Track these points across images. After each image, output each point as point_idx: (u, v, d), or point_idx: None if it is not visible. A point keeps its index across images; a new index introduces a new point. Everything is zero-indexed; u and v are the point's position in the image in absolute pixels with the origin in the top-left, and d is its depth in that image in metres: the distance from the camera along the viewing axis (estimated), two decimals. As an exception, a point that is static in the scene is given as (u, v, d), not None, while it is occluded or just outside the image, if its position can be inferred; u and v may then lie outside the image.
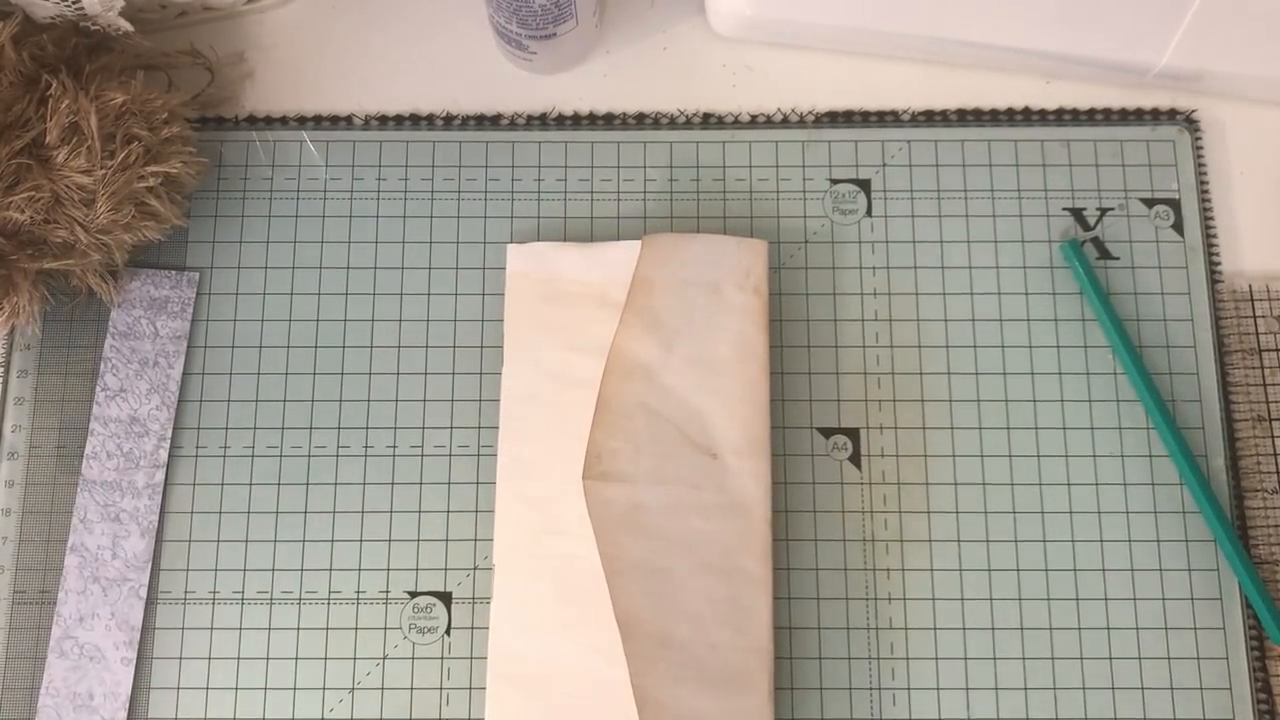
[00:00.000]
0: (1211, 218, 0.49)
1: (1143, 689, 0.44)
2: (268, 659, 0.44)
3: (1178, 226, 0.49)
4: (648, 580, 0.43)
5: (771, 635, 0.42)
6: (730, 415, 0.44)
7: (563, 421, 0.45)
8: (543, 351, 0.45)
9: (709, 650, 0.42)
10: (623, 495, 0.43)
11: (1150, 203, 0.49)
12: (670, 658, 0.42)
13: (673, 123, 0.50)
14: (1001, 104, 0.50)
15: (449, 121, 0.50)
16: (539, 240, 0.48)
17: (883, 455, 0.46)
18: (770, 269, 0.46)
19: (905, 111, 0.50)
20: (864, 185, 0.49)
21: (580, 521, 0.43)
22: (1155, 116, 0.50)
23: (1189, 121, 0.50)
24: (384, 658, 0.44)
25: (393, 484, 0.46)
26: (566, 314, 0.46)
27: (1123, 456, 0.46)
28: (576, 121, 0.50)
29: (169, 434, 0.46)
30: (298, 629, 0.45)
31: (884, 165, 0.49)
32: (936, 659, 0.44)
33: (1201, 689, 0.44)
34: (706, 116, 0.50)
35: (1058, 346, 0.47)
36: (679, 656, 0.42)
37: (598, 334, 0.45)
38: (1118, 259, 0.48)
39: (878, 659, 0.44)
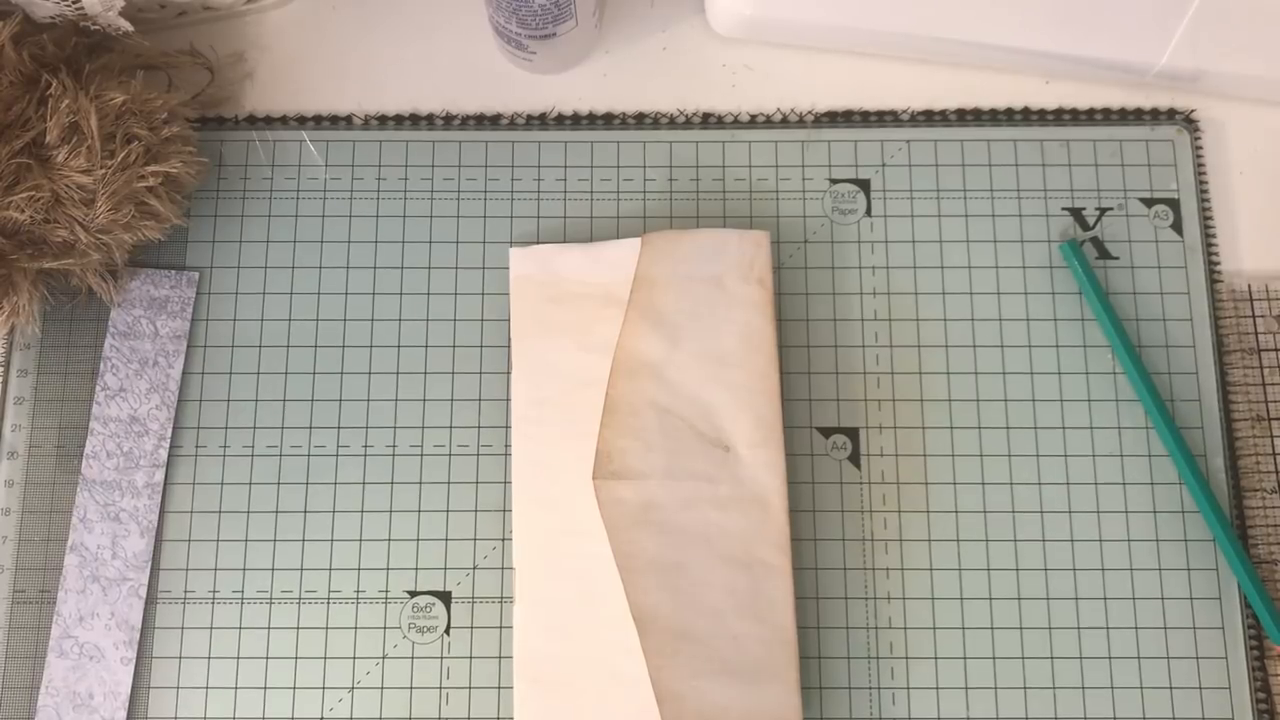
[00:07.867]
0: (1210, 217, 0.49)
1: (1142, 688, 0.44)
2: (267, 658, 0.44)
3: (1177, 226, 0.49)
4: (665, 575, 0.43)
5: (794, 625, 0.42)
6: (741, 407, 0.44)
7: (574, 422, 0.45)
8: (550, 353, 0.46)
9: (731, 642, 0.42)
10: (635, 493, 0.43)
11: (1149, 202, 0.49)
12: (690, 651, 0.42)
13: (672, 122, 0.50)
14: (1001, 104, 0.50)
15: (449, 121, 0.50)
16: (539, 240, 0.48)
17: (882, 455, 0.46)
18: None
19: (905, 111, 0.50)
20: (863, 185, 0.49)
21: (596, 521, 0.43)
22: (1154, 116, 0.50)
23: (1188, 121, 0.50)
24: (383, 657, 0.44)
25: (392, 483, 0.46)
26: (572, 315, 0.46)
27: (1122, 456, 0.46)
28: (576, 121, 0.50)
29: (169, 433, 0.46)
30: (297, 628, 0.45)
31: (883, 165, 0.49)
32: (936, 658, 0.44)
33: (1200, 689, 0.44)
34: (706, 116, 0.50)
35: (1057, 346, 0.47)
36: (699, 650, 0.42)
37: (604, 333, 0.45)
38: (1117, 259, 0.48)
39: (877, 658, 0.44)
